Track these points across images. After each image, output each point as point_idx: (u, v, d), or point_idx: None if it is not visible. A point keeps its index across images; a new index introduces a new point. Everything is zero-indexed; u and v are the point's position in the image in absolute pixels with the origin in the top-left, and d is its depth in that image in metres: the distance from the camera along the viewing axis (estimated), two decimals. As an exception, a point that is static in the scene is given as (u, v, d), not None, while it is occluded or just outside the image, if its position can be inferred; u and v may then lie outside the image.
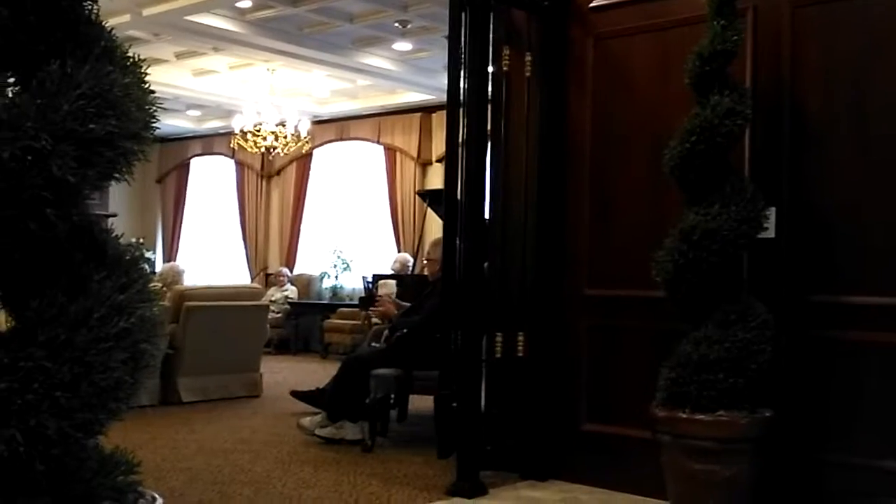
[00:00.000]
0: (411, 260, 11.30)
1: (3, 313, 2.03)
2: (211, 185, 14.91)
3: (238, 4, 8.65)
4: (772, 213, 3.92)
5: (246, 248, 14.10)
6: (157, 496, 2.14)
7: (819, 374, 3.91)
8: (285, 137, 11.31)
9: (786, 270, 4.01)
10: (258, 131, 11.22)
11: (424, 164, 12.18)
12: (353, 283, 12.44)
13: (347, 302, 12.08)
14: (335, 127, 13.07)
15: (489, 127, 4.75)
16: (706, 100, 3.74)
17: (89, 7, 2.08)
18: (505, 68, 4.76)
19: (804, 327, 3.94)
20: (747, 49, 4.07)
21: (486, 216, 4.76)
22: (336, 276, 12.69)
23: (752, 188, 3.79)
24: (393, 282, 9.88)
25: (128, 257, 2.10)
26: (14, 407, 1.82)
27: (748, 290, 3.89)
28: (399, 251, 11.83)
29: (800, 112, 4.03)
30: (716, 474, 3.62)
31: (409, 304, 6.41)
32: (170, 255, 14.96)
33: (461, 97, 4.61)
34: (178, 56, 10.79)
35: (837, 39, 3.95)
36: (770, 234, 3.94)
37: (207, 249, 14.75)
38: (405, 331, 5.82)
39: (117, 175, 2.03)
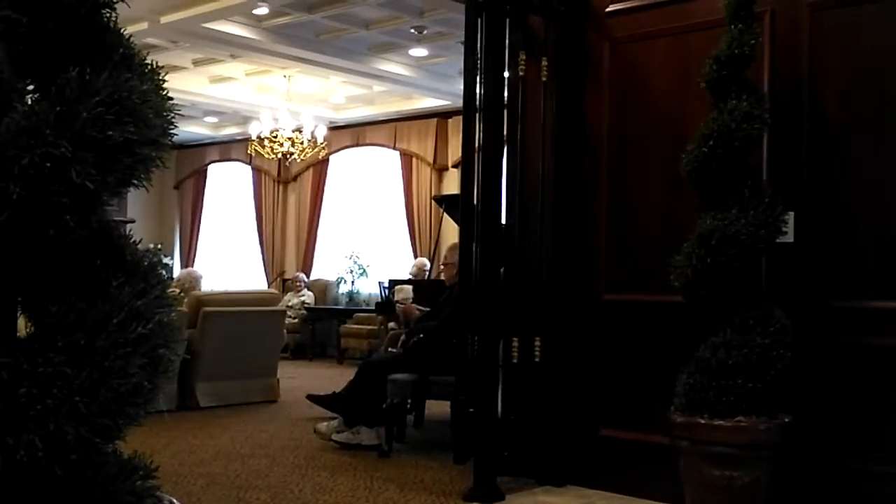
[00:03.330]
0: (429, 264, 11.30)
1: (22, 319, 2.04)
2: (228, 191, 14.98)
3: (255, 11, 8.69)
4: (790, 217, 3.90)
5: (263, 253, 14.15)
6: (174, 501, 2.15)
7: (840, 379, 3.88)
8: (302, 143, 11.35)
9: (805, 275, 3.98)
10: (275, 137, 11.27)
11: (440, 170, 12.19)
12: (369, 289, 12.45)
13: (364, 307, 12.09)
14: (351, 133, 13.10)
15: (505, 132, 4.75)
16: (724, 104, 3.72)
17: (108, 14, 2.09)
18: (521, 73, 4.76)
19: (824, 333, 3.91)
20: (765, 52, 4.05)
21: (503, 221, 4.76)
22: (352, 282, 12.71)
23: (770, 192, 3.77)
24: (409, 287, 9.89)
25: (146, 263, 2.10)
26: (33, 412, 1.83)
27: (767, 295, 3.86)
28: (415, 256, 11.84)
29: (819, 115, 4.00)
30: (734, 480, 3.59)
31: (427, 310, 6.42)
32: (187, 260, 15.03)
33: (477, 102, 4.62)
34: (196, 63, 10.85)
35: (856, 42, 3.93)
36: (789, 238, 3.91)
37: (225, 255, 14.81)
38: (421, 336, 5.82)
39: (136, 181, 2.04)
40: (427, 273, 10.95)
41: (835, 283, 3.93)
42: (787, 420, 3.72)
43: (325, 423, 5.79)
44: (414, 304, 6.77)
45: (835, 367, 3.89)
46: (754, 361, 3.61)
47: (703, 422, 3.67)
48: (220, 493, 4.35)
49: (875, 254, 3.85)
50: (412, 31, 9.21)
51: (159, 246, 13.88)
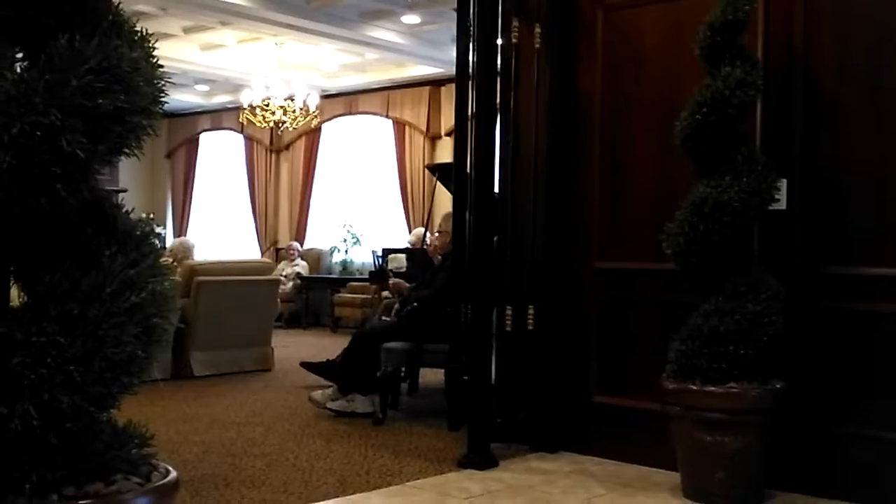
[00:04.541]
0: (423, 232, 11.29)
1: (15, 288, 2.04)
2: (220, 159, 14.91)
3: (245, -22, 8.60)
4: (783, 184, 3.90)
5: (256, 222, 14.12)
6: (170, 469, 2.16)
7: (831, 345, 3.90)
8: (294, 112, 11.29)
9: (798, 242, 3.99)
10: (267, 106, 11.21)
11: (433, 138, 12.14)
12: (362, 258, 12.45)
13: (357, 276, 12.10)
14: (344, 101, 13.03)
15: (498, 100, 4.73)
16: (717, 71, 3.71)
17: (97, -19, 2.07)
18: (514, 40, 4.73)
19: (816, 299, 3.93)
20: (759, 18, 4.03)
21: (496, 190, 4.75)
22: (346, 251, 12.70)
23: (763, 159, 3.77)
24: (402, 256, 9.89)
25: (138, 232, 2.10)
26: (27, 381, 1.83)
27: (759, 262, 3.88)
28: (409, 225, 11.84)
29: (812, 82, 3.99)
30: (726, 446, 3.63)
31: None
32: (180, 230, 14.99)
33: (470, 70, 4.60)
34: (186, 31, 10.75)
35: (852, 8, 3.91)
36: (782, 205, 3.92)
37: (217, 224, 14.78)
38: (416, 304, 5.83)
39: (127, 150, 2.03)
40: (423, 243, 10.97)
41: (826, 249, 3.94)
42: (778, 386, 3.75)
43: (320, 392, 5.81)
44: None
45: (826, 332, 3.91)
46: (746, 328, 3.64)
47: (694, 388, 3.70)
48: (215, 461, 4.38)
49: (866, 220, 3.85)
50: (404, -3, 9.14)
51: (151, 215, 13.79)
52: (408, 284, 6.55)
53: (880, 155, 3.82)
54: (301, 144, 13.56)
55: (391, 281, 7.14)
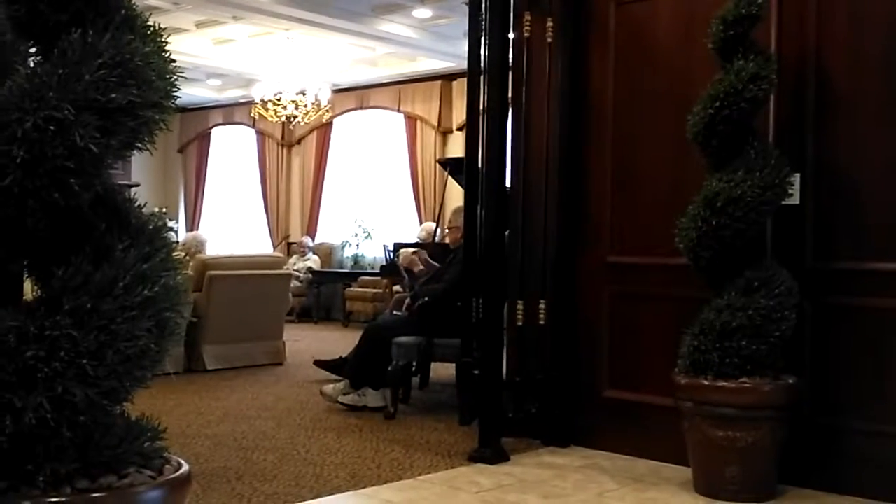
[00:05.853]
0: (434, 227, 11.28)
1: (28, 282, 2.05)
2: (232, 154, 14.94)
3: (257, -28, 8.60)
4: (796, 179, 3.88)
5: (267, 217, 14.15)
6: (182, 462, 2.17)
7: (844, 341, 3.89)
8: (305, 106, 11.30)
9: (811, 237, 3.97)
10: (278, 100, 11.22)
11: (445, 133, 12.13)
12: (374, 252, 12.47)
13: (369, 270, 12.12)
14: (355, 95, 13.03)
15: (510, 94, 4.72)
16: (730, 65, 3.70)
17: (109, -24, 2.07)
18: (526, 34, 4.72)
19: (829, 294, 3.91)
20: (772, 13, 4.01)
21: (508, 184, 4.74)
22: (357, 245, 12.72)
23: (776, 154, 3.75)
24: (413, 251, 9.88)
25: (151, 227, 2.10)
26: (41, 375, 1.84)
27: (772, 256, 3.86)
28: (420, 220, 11.84)
29: (825, 77, 3.97)
30: (737, 441, 3.63)
31: (437, 265, 6.40)
32: (192, 224, 15.04)
33: (482, 64, 4.59)
34: (198, 25, 10.77)
35: (865, 2, 3.88)
36: (795, 200, 3.90)
37: (229, 219, 14.81)
38: (427, 299, 5.83)
39: (139, 144, 2.04)
40: (434, 237, 10.96)
41: (839, 244, 3.91)
42: (790, 381, 3.74)
43: (331, 386, 5.83)
44: (423, 256, 6.68)
45: (839, 327, 3.89)
46: (758, 323, 3.62)
47: (706, 383, 3.69)
48: (227, 454, 4.40)
49: (879, 215, 3.83)
50: (416, -9, 9.13)
51: (164, 209, 13.87)
52: (419, 263, 6.51)
53: (894, 149, 3.80)
54: (312, 139, 13.57)
55: (408, 251, 6.99)
